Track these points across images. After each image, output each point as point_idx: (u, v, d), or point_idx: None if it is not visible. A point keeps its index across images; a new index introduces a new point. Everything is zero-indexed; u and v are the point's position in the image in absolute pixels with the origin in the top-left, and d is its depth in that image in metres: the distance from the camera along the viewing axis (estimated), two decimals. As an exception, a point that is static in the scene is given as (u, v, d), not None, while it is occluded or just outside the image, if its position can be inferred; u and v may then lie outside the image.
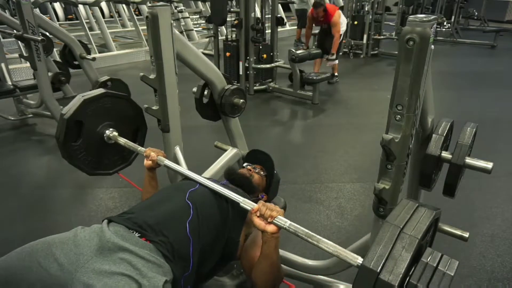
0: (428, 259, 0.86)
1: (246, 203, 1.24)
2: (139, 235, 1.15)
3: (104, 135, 1.80)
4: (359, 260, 0.94)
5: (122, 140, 1.80)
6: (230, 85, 2.12)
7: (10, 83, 4.02)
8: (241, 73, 5.19)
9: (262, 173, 1.69)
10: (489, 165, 1.29)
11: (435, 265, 0.85)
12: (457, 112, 4.39)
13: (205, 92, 2.16)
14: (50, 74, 3.93)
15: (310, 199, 2.78)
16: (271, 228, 1.17)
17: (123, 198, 2.75)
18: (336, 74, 5.90)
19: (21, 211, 2.63)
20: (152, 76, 1.83)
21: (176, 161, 2.01)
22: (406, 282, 0.84)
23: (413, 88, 1.04)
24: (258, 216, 1.18)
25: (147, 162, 1.62)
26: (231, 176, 1.61)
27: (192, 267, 1.19)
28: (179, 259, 1.16)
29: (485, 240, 2.30)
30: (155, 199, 1.38)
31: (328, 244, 1.01)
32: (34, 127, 4.14)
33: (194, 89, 2.18)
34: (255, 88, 5.33)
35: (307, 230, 1.06)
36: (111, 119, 1.84)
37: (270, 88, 5.43)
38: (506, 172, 3.05)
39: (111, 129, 1.82)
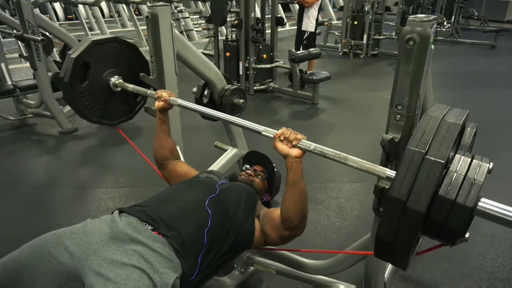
0: (457, 168, 0.87)
1: (268, 131, 1.25)
2: (151, 228, 1.14)
3: (110, 81, 1.78)
4: (388, 171, 0.98)
5: (130, 86, 1.76)
6: (230, 85, 2.12)
7: (10, 83, 4.01)
8: (241, 73, 5.19)
9: (263, 175, 1.68)
10: (489, 165, 1.29)
11: (463, 173, 0.86)
12: (457, 112, 4.38)
13: (205, 92, 2.16)
14: (50, 74, 3.93)
15: (310, 199, 2.77)
16: (295, 151, 1.18)
17: (123, 198, 2.75)
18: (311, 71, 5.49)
19: (21, 211, 2.63)
20: (152, 76, 1.83)
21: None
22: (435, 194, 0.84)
23: (413, 88, 1.04)
24: (281, 141, 1.19)
25: (159, 104, 1.56)
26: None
27: (197, 273, 1.18)
28: (189, 257, 1.15)
29: (485, 240, 2.29)
30: (170, 195, 1.36)
31: (355, 161, 1.05)
32: (34, 127, 4.13)
33: (194, 89, 2.18)
34: (255, 88, 5.33)
35: (333, 150, 1.10)
36: (118, 66, 1.80)
37: (270, 88, 5.43)
38: (506, 172, 3.05)
39: (116, 76, 1.79)
